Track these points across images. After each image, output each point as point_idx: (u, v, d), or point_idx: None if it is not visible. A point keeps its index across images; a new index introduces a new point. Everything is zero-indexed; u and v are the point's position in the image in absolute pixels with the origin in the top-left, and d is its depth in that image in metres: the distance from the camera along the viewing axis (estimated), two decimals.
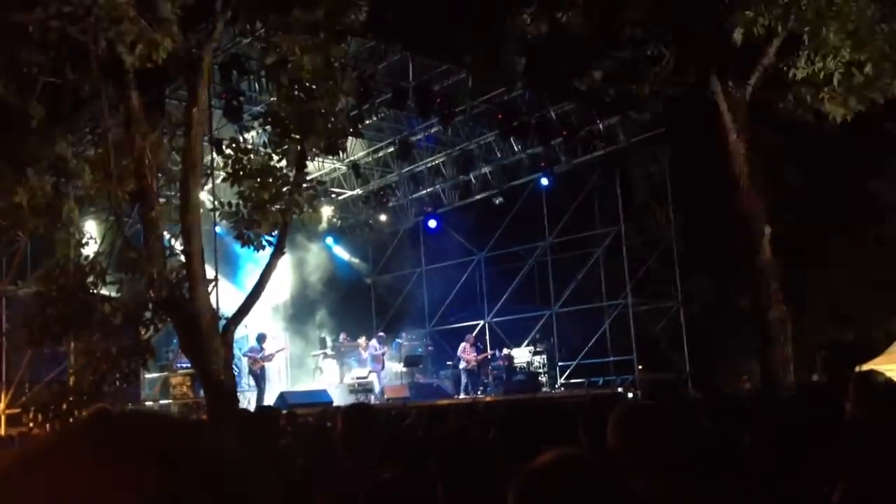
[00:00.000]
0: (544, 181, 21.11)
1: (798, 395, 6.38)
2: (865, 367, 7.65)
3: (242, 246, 10.54)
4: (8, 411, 15.24)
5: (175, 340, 15.62)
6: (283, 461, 5.04)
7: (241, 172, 10.24)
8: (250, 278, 13.82)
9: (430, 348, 22.96)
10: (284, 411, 11.72)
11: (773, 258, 11.62)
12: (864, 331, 15.23)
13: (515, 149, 20.87)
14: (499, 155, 21.36)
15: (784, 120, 11.69)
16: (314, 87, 10.01)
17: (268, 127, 10.74)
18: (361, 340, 21.38)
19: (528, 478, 1.47)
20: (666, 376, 18.21)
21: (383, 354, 20.89)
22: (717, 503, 2.68)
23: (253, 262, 16.32)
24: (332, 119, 10.32)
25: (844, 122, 10.51)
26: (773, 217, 12.01)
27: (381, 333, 21.80)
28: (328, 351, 21.63)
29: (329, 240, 24.98)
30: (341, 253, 25.60)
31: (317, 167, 19.84)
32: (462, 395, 19.53)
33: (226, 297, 13.85)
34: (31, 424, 10.52)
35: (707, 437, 4.43)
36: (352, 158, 21.30)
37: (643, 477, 2.54)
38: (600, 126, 19.56)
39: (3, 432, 13.70)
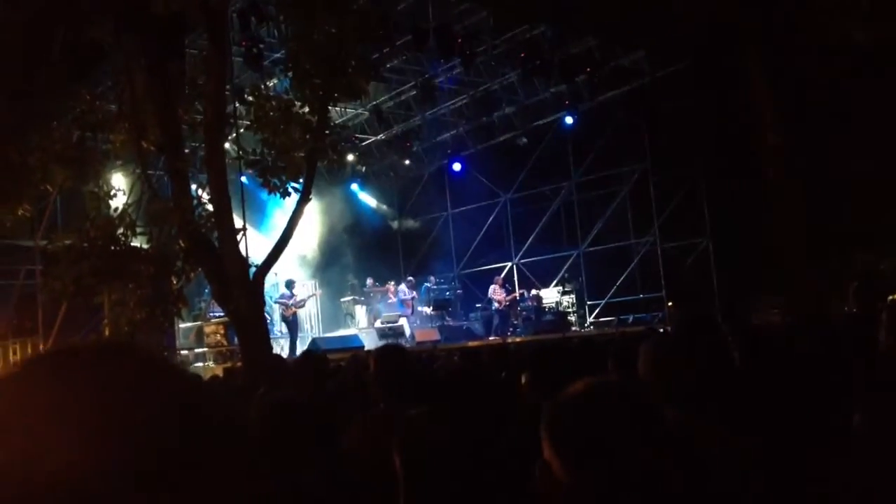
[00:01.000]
0: (569, 120, 20.89)
1: (827, 327, 6.33)
2: None
3: (268, 193, 10.57)
4: None
5: (207, 290, 15.83)
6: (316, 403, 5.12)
7: (264, 119, 10.23)
8: (278, 226, 13.89)
9: (458, 291, 23.06)
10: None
11: (797, 188, 11.47)
12: None
13: (538, 88, 20.62)
14: (522, 95, 21.12)
15: (808, 46, 11.43)
16: (333, 30, 9.92)
17: (289, 73, 10.69)
18: (390, 285, 21.55)
19: (559, 405, 1.48)
20: (697, 311, 18.16)
21: (413, 299, 21.06)
22: (744, 435, 2.69)
23: (280, 209, 16.41)
24: (353, 63, 10.24)
25: (873, 47, 10.27)
26: (798, 144, 11.82)
27: (410, 278, 21.92)
28: (357, 297, 21.81)
29: (354, 186, 24.99)
30: (366, 199, 25.62)
31: (339, 113, 19.76)
32: (492, 337, 19.68)
33: (254, 245, 13.96)
34: None
35: (736, 371, 4.44)
36: (374, 103, 21.17)
37: (673, 407, 2.55)
38: (625, 61, 19.25)
39: None
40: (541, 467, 1.45)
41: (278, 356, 11.58)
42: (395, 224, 26.19)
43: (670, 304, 19.47)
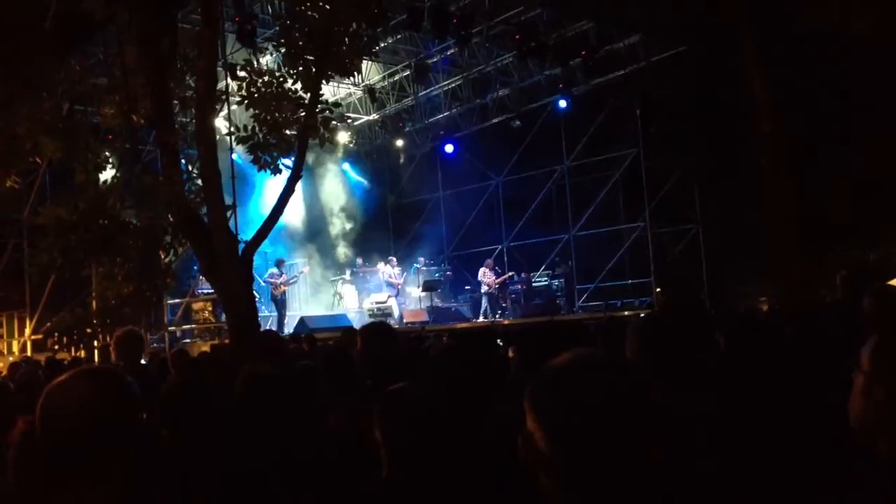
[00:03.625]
0: (562, 103, 20.85)
1: (813, 315, 6.35)
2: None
3: (259, 170, 10.50)
4: (34, 336, 15.55)
5: (196, 267, 15.77)
6: (302, 379, 5.12)
7: (256, 96, 10.14)
8: (268, 203, 13.84)
9: (448, 273, 23.05)
10: (303, 335, 11.89)
11: (789, 177, 11.50)
12: (885, 251, 15.11)
13: (533, 71, 20.55)
14: (516, 77, 21.05)
15: (805, 34, 11.44)
16: (327, 6, 9.83)
17: (281, 49, 10.60)
18: (380, 265, 21.52)
19: (543, 375, 1.47)
20: (686, 296, 18.25)
21: (400, 279, 21.04)
22: (728, 416, 2.70)
23: (270, 187, 16.34)
24: (347, 40, 10.16)
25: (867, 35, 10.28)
26: (792, 133, 11.83)
27: (392, 258, 21.86)
28: (346, 277, 21.79)
29: (346, 165, 24.90)
30: (358, 178, 25.55)
31: (332, 92, 19.66)
32: (480, 319, 19.70)
33: (244, 222, 13.91)
34: (56, 348, 10.73)
35: (721, 355, 4.46)
36: (367, 82, 21.09)
37: (658, 388, 2.55)
38: (620, 45, 19.20)
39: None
40: (524, 438, 1.44)
41: (274, 332, 11.57)
42: (386, 204, 26.12)
43: (658, 290, 19.54)
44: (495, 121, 22.18)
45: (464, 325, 18.05)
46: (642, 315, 3.28)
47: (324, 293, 22.19)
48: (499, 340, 7.83)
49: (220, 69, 11.97)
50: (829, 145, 14.12)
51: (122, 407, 1.88)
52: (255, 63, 11.19)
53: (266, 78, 10.27)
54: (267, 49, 14.38)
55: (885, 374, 1.68)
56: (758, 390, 3.65)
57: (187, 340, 16.85)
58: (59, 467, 1.81)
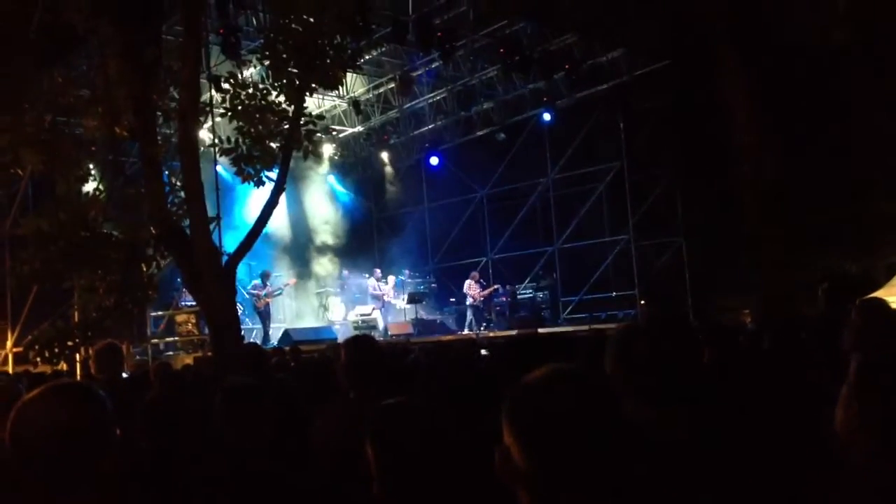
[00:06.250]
0: (546, 116, 20.94)
1: (795, 328, 6.39)
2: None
3: (242, 182, 10.48)
4: (15, 349, 15.40)
5: (179, 279, 15.69)
6: (284, 392, 5.11)
7: (239, 107, 10.13)
8: (252, 216, 13.81)
9: (433, 285, 23.03)
10: (287, 347, 11.85)
11: (769, 189, 11.57)
12: (867, 263, 15.22)
13: (517, 84, 20.64)
14: (500, 90, 21.13)
15: (785, 45, 11.56)
16: (312, 19, 9.85)
17: (265, 61, 10.60)
18: (367, 278, 21.50)
19: (518, 390, 1.47)
20: (669, 308, 18.30)
21: (384, 292, 21.01)
22: (709, 429, 2.70)
23: (255, 199, 16.28)
24: (331, 52, 10.18)
25: (846, 46, 10.39)
26: (771, 147, 11.91)
27: (377, 270, 21.84)
28: (331, 289, 21.74)
29: (331, 178, 24.87)
30: (343, 191, 25.52)
31: (317, 104, 19.65)
32: (465, 331, 19.69)
33: (228, 234, 13.85)
34: (38, 360, 10.63)
35: (704, 366, 4.47)
36: (352, 95, 21.10)
37: (637, 399, 2.55)
38: (603, 59, 19.32)
39: (10, 370, 13.85)
40: (500, 452, 1.44)
41: (256, 344, 11.52)
42: (370, 216, 26.10)
43: (642, 302, 19.59)
44: (480, 133, 22.24)
45: (449, 337, 18.03)
46: (618, 326, 3.25)
47: (309, 305, 22.12)
48: (483, 352, 7.84)
49: (203, 81, 11.95)
50: (812, 158, 14.22)
51: (91, 422, 1.87)
52: (240, 75, 11.18)
53: (250, 90, 10.27)
54: (251, 61, 14.37)
55: (862, 390, 1.73)
56: (741, 401, 3.67)
57: (170, 353, 16.73)
58: (30, 483, 1.81)
